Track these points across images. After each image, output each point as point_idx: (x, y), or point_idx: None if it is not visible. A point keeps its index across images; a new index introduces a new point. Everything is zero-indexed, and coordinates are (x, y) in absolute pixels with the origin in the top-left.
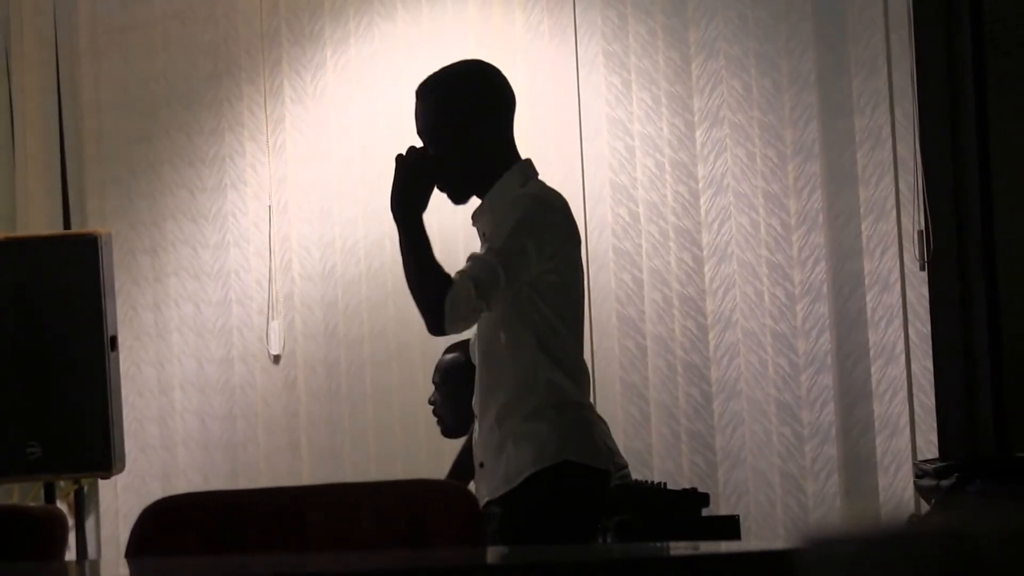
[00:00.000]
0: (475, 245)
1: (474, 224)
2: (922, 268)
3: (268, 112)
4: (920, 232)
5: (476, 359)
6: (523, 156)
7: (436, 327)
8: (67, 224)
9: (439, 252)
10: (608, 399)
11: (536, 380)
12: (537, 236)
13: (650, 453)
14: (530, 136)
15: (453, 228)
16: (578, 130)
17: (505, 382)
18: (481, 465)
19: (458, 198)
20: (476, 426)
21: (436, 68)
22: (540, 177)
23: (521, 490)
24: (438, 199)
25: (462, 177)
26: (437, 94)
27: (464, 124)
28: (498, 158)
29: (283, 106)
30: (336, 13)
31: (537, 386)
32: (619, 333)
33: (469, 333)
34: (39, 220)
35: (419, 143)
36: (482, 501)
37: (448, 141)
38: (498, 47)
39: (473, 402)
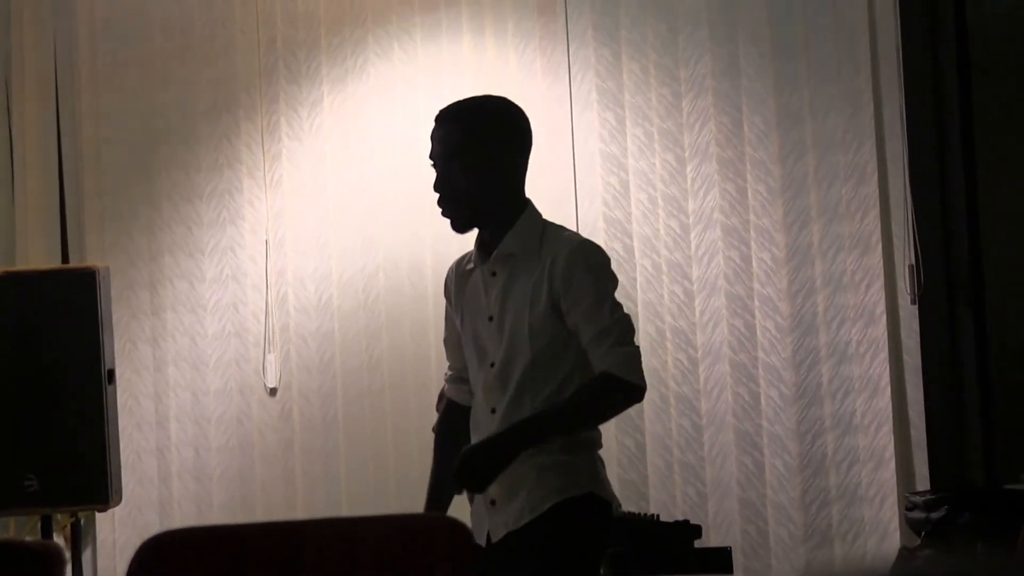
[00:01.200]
0: None
1: (487, 256)
2: (913, 302)
3: (265, 148)
4: (911, 266)
5: (489, 397)
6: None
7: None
8: (66, 258)
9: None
10: (604, 430)
11: None
12: (613, 281)
13: (645, 484)
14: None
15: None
16: (572, 165)
17: None
18: (492, 503)
19: (463, 226)
20: None
21: (431, 106)
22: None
23: (547, 516)
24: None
25: (478, 206)
26: (470, 120)
27: (493, 154)
28: (515, 195)
29: (280, 142)
30: (333, 51)
31: None
32: None
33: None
34: (38, 254)
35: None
36: (498, 535)
37: (474, 167)
38: (493, 85)
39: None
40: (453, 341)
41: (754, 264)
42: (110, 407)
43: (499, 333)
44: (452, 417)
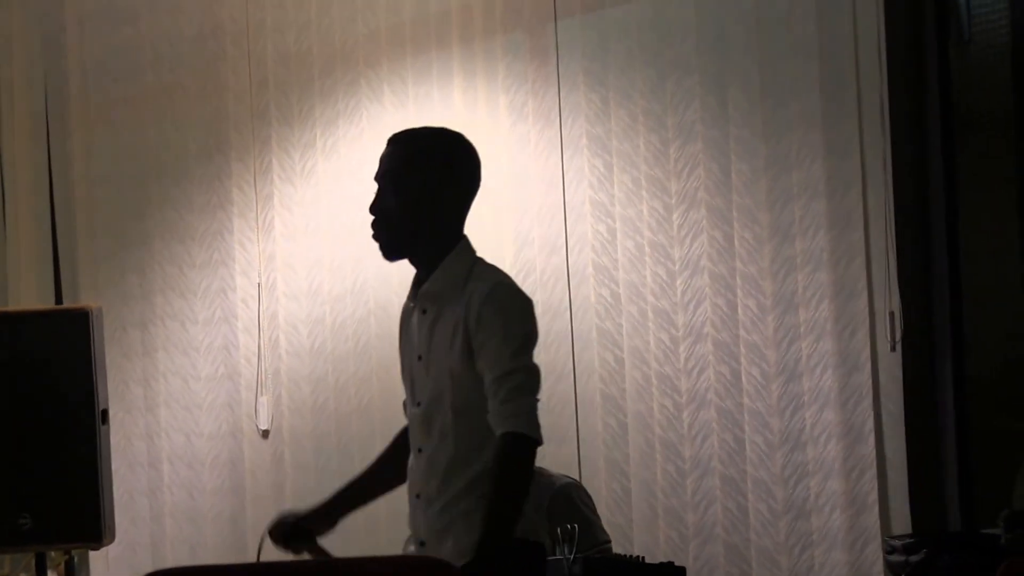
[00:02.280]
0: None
1: (417, 293)
2: (892, 349)
3: (257, 190)
4: (891, 313)
5: (415, 437)
6: (509, 235)
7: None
8: (58, 298)
9: None
10: (593, 475)
11: None
12: (526, 325)
13: (631, 527)
14: (515, 216)
15: None
16: (562, 211)
17: (469, 466)
18: (422, 544)
19: (390, 252)
20: (412, 504)
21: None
22: (525, 255)
23: (477, 563)
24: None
25: (406, 232)
26: (414, 146)
27: (428, 183)
28: (448, 230)
29: (272, 184)
30: (325, 94)
31: None
32: (602, 411)
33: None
34: (30, 294)
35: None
36: None
37: (407, 192)
38: (483, 130)
39: (413, 479)
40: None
41: (740, 311)
42: (103, 447)
43: (425, 373)
44: (399, 441)
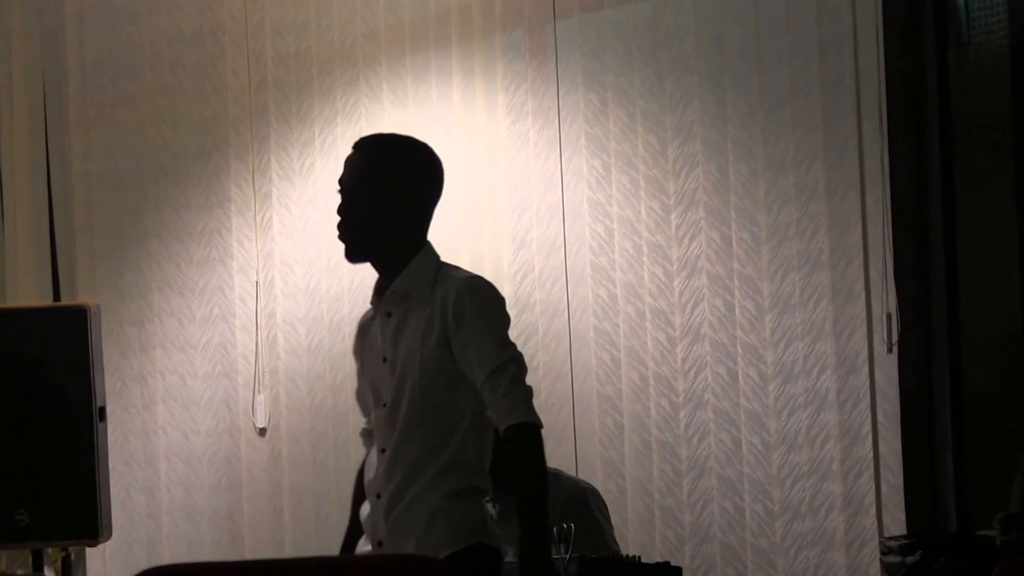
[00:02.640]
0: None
1: (381, 298)
2: (889, 350)
3: (256, 188)
4: (889, 315)
5: (380, 437)
6: (507, 235)
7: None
8: (56, 295)
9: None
10: (589, 474)
11: (461, 463)
12: (505, 318)
13: (626, 527)
14: (514, 216)
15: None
16: (561, 211)
17: (433, 462)
18: (380, 544)
19: (356, 255)
20: (371, 504)
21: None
22: (523, 255)
23: (530, 558)
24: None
25: (374, 234)
26: (382, 151)
27: (397, 187)
28: (413, 234)
29: (270, 182)
30: (324, 92)
31: (459, 468)
32: (599, 410)
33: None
34: (29, 291)
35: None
36: None
37: (376, 195)
38: (481, 129)
39: (374, 480)
40: (361, 396)
41: (737, 312)
42: (100, 444)
43: (391, 373)
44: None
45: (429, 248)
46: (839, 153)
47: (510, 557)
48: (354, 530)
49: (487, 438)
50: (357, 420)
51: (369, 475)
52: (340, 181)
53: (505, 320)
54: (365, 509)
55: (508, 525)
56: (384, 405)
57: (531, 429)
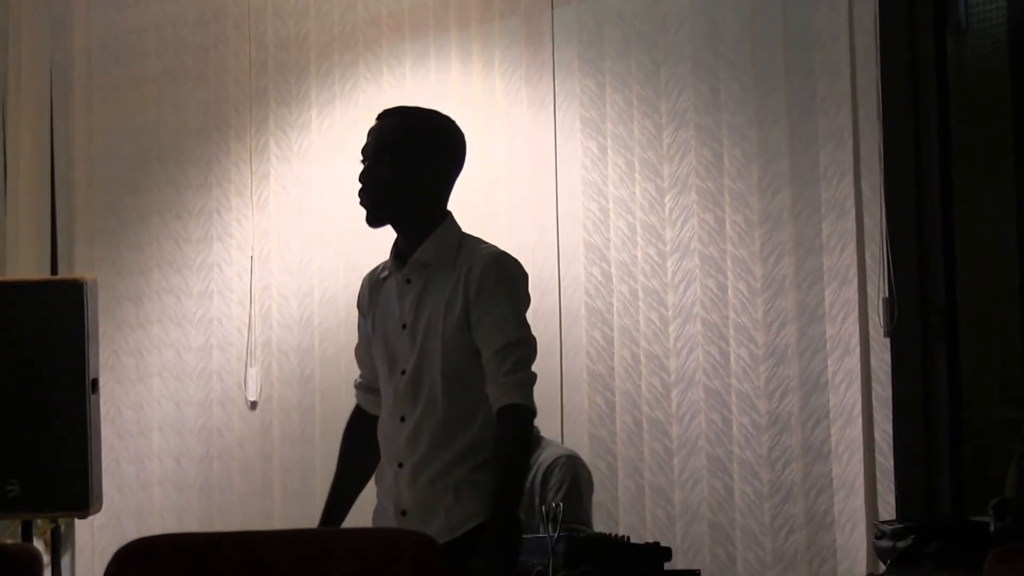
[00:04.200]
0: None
1: (403, 263)
2: (886, 335)
3: (254, 169)
4: (885, 299)
5: (397, 405)
6: (502, 215)
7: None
8: (54, 270)
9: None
10: (577, 451)
11: (486, 437)
12: (527, 298)
13: (616, 506)
14: (508, 196)
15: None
16: (554, 191)
17: (461, 435)
18: (404, 513)
19: (378, 219)
20: (392, 472)
21: None
22: (517, 234)
23: (465, 540)
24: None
25: (396, 201)
26: (408, 121)
27: (421, 156)
28: (436, 204)
29: (268, 163)
30: (323, 75)
31: (486, 442)
32: (589, 388)
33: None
34: (28, 265)
35: None
36: None
37: (401, 163)
38: (479, 112)
39: (393, 448)
40: (363, 351)
41: (730, 293)
42: (93, 416)
43: (411, 341)
44: (359, 424)
45: (451, 219)
46: (835, 138)
47: None
48: (340, 484)
49: None
50: (347, 395)
51: (386, 443)
52: (363, 151)
53: (525, 299)
54: (386, 474)
55: None
56: (403, 373)
57: (527, 413)
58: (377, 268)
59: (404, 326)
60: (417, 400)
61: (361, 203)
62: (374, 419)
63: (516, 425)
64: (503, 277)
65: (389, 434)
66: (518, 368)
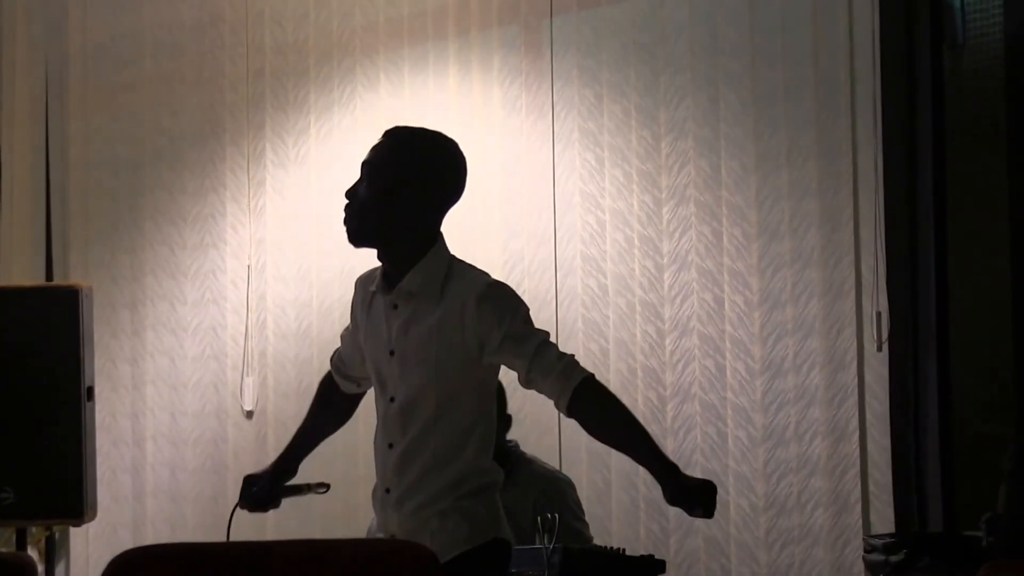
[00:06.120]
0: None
1: (390, 287)
2: (879, 349)
3: (250, 175)
4: (879, 313)
5: (386, 431)
6: (498, 227)
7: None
8: (49, 276)
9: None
10: (574, 465)
11: (476, 467)
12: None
13: (610, 518)
14: (505, 207)
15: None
16: (552, 203)
17: (451, 465)
18: (392, 537)
19: (358, 240)
20: (380, 495)
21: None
22: (514, 245)
23: (453, 566)
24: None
25: (382, 223)
26: (405, 141)
27: (409, 180)
28: (424, 229)
29: (265, 169)
30: (321, 82)
31: (476, 472)
32: None
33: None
34: (22, 271)
35: None
36: None
37: (388, 184)
38: (477, 121)
39: (382, 472)
40: (349, 347)
41: (726, 306)
42: (88, 424)
43: (400, 369)
44: (329, 390)
45: (441, 245)
46: (832, 152)
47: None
48: (301, 437)
49: (492, 430)
50: None
51: (377, 463)
52: (361, 166)
53: (527, 311)
54: (377, 495)
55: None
56: (392, 400)
57: (594, 380)
58: (370, 277)
59: (392, 352)
60: (407, 429)
61: (344, 220)
62: (343, 393)
63: (599, 390)
64: (501, 303)
65: (379, 456)
66: (562, 355)
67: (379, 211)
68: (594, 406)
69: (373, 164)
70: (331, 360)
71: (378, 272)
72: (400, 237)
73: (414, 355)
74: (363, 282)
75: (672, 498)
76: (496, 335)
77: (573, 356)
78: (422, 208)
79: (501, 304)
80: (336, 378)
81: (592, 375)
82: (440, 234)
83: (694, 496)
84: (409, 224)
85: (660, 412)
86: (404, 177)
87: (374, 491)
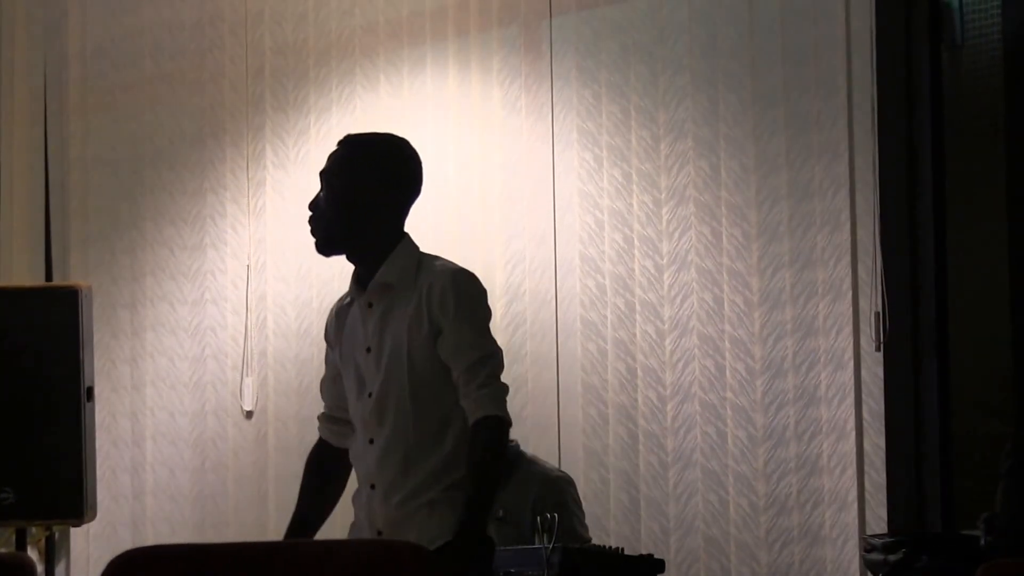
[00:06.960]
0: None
1: (363, 288)
2: (878, 349)
3: (250, 175)
4: (877, 314)
5: (366, 428)
6: (497, 226)
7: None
8: (49, 277)
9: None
10: (571, 464)
11: (459, 455)
12: (488, 312)
13: (608, 518)
14: (504, 207)
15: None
16: (551, 203)
17: (432, 455)
18: (379, 533)
19: (326, 248)
20: (365, 493)
21: (415, 139)
22: (514, 246)
23: (437, 555)
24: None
25: (339, 230)
26: (357, 150)
27: (367, 185)
28: (389, 229)
29: (264, 170)
30: (320, 82)
31: (459, 460)
32: (583, 400)
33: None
34: (22, 271)
35: None
36: None
37: (344, 193)
38: (476, 121)
39: (365, 470)
40: (328, 383)
41: (726, 306)
42: (88, 424)
43: (376, 363)
44: (320, 455)
45: (408, 240)
46: (831, 153)
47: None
48: (301, 515)
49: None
50: None
51: (358, 464)
52: (319, 174)
53: (487, 313)
54: (361, 494)
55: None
56: (369, 396)
57: (502, 424)
58: (342, 297)
59: (369, 349)
60: (384, 421)
61: (311, 232)
62: (336, 450)
63: (492, 436)
64: (463, 293)
65: (360, 456)
66: (490, 381)
67: (341, 218)
68: (477, 441)
69: (330, 173)
70: (319, 420)
71: (349, 290)
72: (366, 240)
73: (389, 348)
74: (335, 305)
75: (452, 550)
76: (446, 325)
77: (499, 388)
78: (383, 209)
79: (460, 296)
80: (329, 434)
81: (499, 416)
82: (406, 232)
83: (460, 556)
84: (372, 226)
85: (660, 412)
86: (360, 182)
87: (356, 494)
